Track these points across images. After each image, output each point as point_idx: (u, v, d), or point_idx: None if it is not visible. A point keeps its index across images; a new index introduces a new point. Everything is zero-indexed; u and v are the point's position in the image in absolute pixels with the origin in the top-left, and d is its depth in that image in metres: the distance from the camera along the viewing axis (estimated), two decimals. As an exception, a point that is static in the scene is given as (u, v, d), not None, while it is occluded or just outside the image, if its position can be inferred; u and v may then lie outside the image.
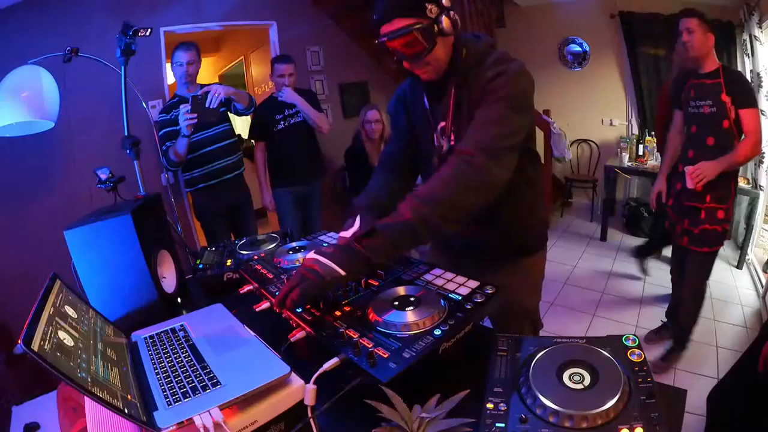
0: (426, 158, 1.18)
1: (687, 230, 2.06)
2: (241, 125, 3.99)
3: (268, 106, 2.72)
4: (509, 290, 0.91)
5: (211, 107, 2.10)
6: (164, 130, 2.25)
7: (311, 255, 0.85)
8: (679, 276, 2.31)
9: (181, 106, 2.10)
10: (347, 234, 1.03)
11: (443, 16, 0.96)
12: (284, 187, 2.83)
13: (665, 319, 2.44)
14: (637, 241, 3.73)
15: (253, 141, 2.87)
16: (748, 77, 3.28)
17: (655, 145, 3.53)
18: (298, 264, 1.08)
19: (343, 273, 0.81)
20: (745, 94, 1.84)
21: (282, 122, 2.70)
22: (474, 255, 1.22)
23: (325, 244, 1.20)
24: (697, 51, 1.91)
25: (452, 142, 1.07)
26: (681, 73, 2.10)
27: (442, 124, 1.10)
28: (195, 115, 2.07)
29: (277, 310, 0.85)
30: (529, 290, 1.27)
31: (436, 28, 0.95)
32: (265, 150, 2.82)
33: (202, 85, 2.28)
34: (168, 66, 2.78)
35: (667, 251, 3.18)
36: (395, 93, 1.24)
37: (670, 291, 2.53)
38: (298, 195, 2.87)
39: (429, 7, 0.94)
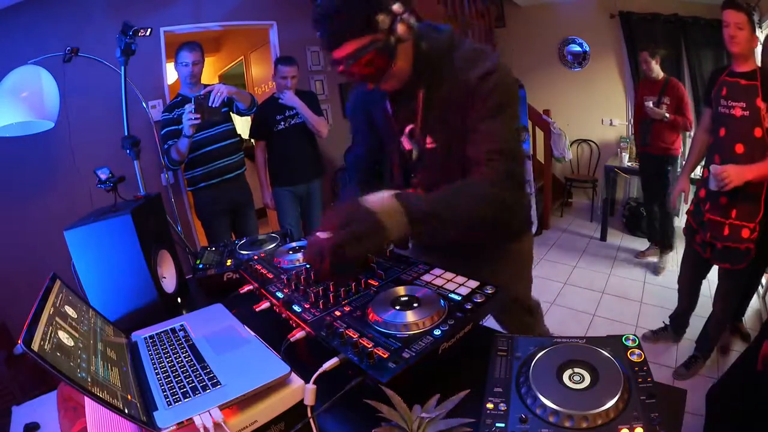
0: (389, 161, 1.13)
1: (709, 243, 1.92)
2: (241, 126, 3.99)
3: (268, 107, 2.73)
4: (495, 279, 0.87)
5: (213, 106, 2.11)
6: (166, 129, 2.25)
7: (375, 199, 0.78)
8: (689, 285, 2.22)
9: (186, 106, 2.11)
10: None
11: (397, 24, 0.87)
12: (284, 186, 2.84)
13: (668, 322, 2.41)
14: (637, 241, 3.74)
15: (252, 141, 2.87)
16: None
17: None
18: (298, 264, 1.08)
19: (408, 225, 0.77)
20: None
21: (282, 123, 2.72)
22: (456, 247, 1.15)
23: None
24: (743, 48, 1.73)
25: (422, 146, 1.02)
26: (715, 69, 1.99)
27: (410, 127, 1.04)
28: (199, 115, 2.07)
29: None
30: (516, 276, 1.23)
31: (392, 39, 0.87)
32: (265, 150, 2.83)
33: (206, 86, 2.28)
34: (168, 66, 2.79)
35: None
36: (351, 97, 1.18)
37: (669, 293, 2.53)
38: (298, 194, 2.89)
39: (380, 18, 0.85)
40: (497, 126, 0.90)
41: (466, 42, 0.97)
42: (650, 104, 3.02)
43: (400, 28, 0.87)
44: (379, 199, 0.78)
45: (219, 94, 2.11)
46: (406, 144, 1.06)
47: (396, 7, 0.87)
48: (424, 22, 0.97)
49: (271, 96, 2.78)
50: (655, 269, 3.20)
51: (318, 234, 0.77)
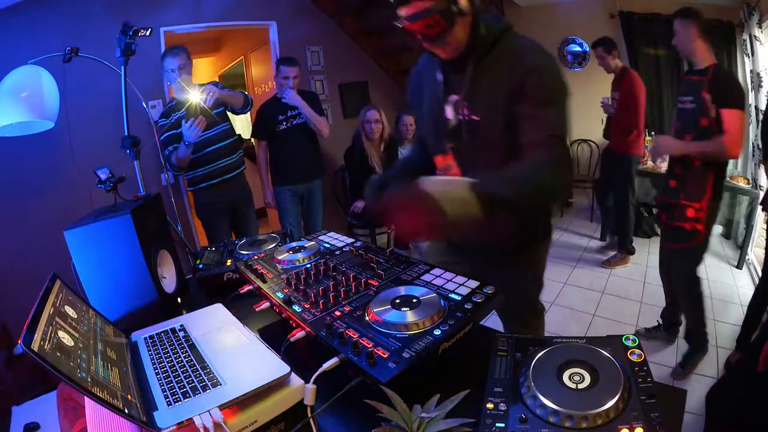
0: (432, 130, 1.21)
1: (664, 224, 2.09)
2: (241, 125, 3.99)
3: (271, 107, 2.74)
4: (511, 283, 0.96)
5: (207, 106, 2.10)
6: (165, 135, 2.25)
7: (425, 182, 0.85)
8: (666, 275, 2.29)
9: (183, 122, 2.11)
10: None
11: None
12: (285, 186, 2.86)
13: (660, 321, 2.42)
14: (637, 241, 3.73)
15: (253, 140, 2.88)
16: (748, 77, 3.29)
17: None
18: (298, 264, 1.08)
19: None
20: (728, 94, 1.80)
21: (284, 123, 2.73)
22: (472, 250, 1.24)
23: (326, 245, 1.20)
24: (683, 51, 1.96)
25: (464, 117, 1.09)
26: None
27: (455, 97, 1.11)
28: (201, 118, 2.07)
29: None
30: (531, 282, 1.29)
31: (454, 8, 0.97)
32: (267, 149, 2.84)
33: (200, 86, 2.27)
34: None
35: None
36: (412, 70, 1.27)
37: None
38: (299, 193, 2.91)
39: None
40: (554, 114, 0.98)
41: (526, 37, 1.06)
42: (606, 99, 3.01)
43: (462, 1, 0.98)
44: (443, 183, 0.86)
45: (211, 94, 2.11)
46: (448, 113, 1.13)
47: None
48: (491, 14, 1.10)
49: (274, 96, 2.79)
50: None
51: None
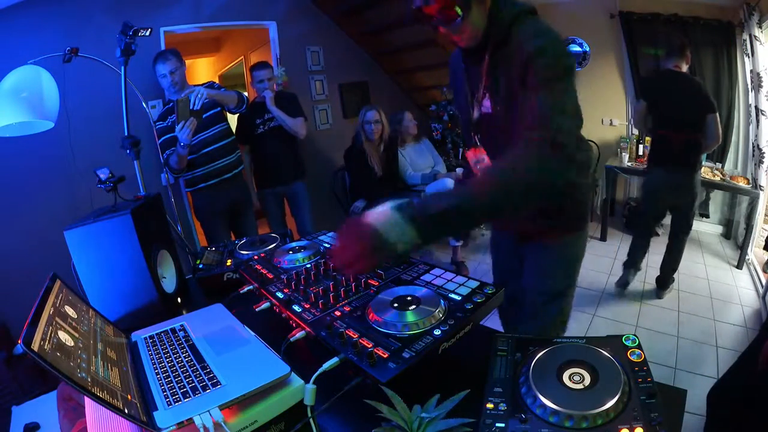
0: (463, 123, 1.20)
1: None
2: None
3: (249, 111, 2.73)
4: (538, 269, 1.07)
5: (195, 108, 2.09)
6: (163, 138, 2.26)
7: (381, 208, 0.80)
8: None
9: (176, 126, 2.11)
10: None
11: None
12: (267, 188, 2.89)
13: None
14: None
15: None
16: (748, 77, 3.29)
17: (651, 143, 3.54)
18: (297, 264, 1.08)
19: (419, 241, 0.76)
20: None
21: (261, 126, 2.74)
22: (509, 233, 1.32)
23: (326, 245, 1.21)
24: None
25: (482, 110, 1.08)
26: None
27: (478, 92, 1.09)
28: (191, 120, 2.07)
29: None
30: (560, 271, 1.26)
31: None
32: (250, 153, 2.86)
33: (192, 86, 2.27)
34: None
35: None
36: (450, 60, 1.27)
37: (669, 293, 2.78)
38: (281, 195, 2.93)
39: None
40: (536, 102, 0.90)
41: (537, 18, 1.01)
42: None
43: None
44: (379, 213, 0.78)
45: (199, 96, 2.10)
46: (475, 110, 1.12)
47: None
48: None
49: (253, 100, 2.80)
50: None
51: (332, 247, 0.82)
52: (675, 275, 2.84)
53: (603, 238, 3.84)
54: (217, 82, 3.39)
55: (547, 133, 0.85)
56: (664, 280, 2.80)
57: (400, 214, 0.77)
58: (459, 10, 0.95)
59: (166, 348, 0.81)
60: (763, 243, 2.79)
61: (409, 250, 0.77)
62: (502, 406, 0.62)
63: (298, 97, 2.89)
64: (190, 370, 0.71)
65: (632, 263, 2.91)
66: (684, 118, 2.48)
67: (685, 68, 2.52)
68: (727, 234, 3.72)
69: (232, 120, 2.59)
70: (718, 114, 2.42)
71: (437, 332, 0.73)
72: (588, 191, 1.27)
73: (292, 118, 2.71)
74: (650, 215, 2.91)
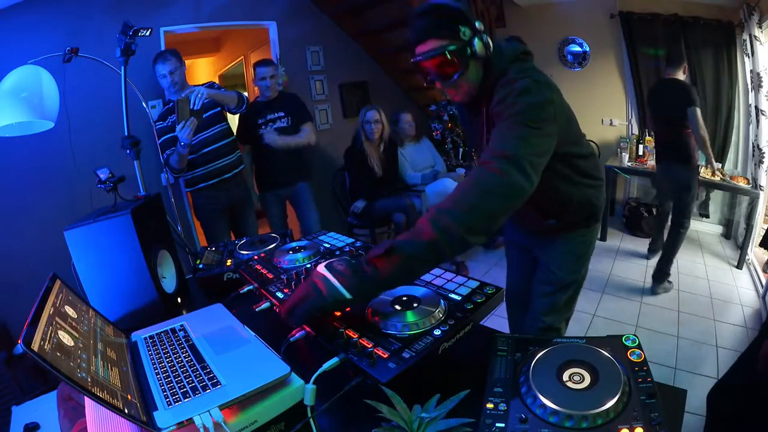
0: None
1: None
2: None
3: (251, 111, 2.71)
4: (546, 258, 1.16)
5: (195, 108, 2.09)
6: (163, 138, 2.25)
7: (321, 269, 0.79)
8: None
9: (177, 126, 2.12)
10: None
11: (476, 39, 0.99)
12: (269, 190, 2.85)
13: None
14: (638, 241, 3.74)
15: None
16: (748, 77, 3.29)
17: (654, 145, 3.54)
18: (297, 264, 1.08)
19: (348, 297, 0.74)
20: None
21: (263, 127, 2.70)
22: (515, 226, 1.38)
23: (326, 245, 1.20)
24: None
25: None
26: None
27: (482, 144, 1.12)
28: (191, 120, 2.07)
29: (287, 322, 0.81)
30: (568, 262, 1.30)
31: (468, 50, 0.98)
32: (251, 153, 2.83)
33: (192, 86, 2.27)
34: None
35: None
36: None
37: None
38: (283, 197, 2.90)
39: (462, 29, 0.97)
40: (519, 135, 0.90)
41: (528, 65, 1.03)
42: None
43: (478, 44, 0.99)
44: (323, 267, 0.80)
45: (200, 96, 2.10)
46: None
47: (479, 25, 1.00)
48: (496, 37, 1.09)
49: (255, 100, 2.77)
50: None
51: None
52: (672, 275, 2.89)
53: (603, 238, 3.83)
54: (217, 82, 3.39)
55: (503, 156, 0.86)
56: (660, 274, 2.89)
57: (328, 269, 0.78)
58: (456, 67, 0.98)
59: (166, 348, 0.81)
60: (761, 240, 2.83)
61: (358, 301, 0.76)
62: (502, 406, 0.62)
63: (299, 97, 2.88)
64: (190, 370, 0.71)
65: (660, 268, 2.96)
66: (672, 115, 2.71)
67: (682, 77, 2.74)
68: (727, 234, 3.72)
69: (233, 120, 2.59)
70: (698, 107, 2.61)
71: (437, 332, 0.73)
72: (598, 192, 1.27)
73: (297, 136, 2.67)
74: (661, 211, 3.19)
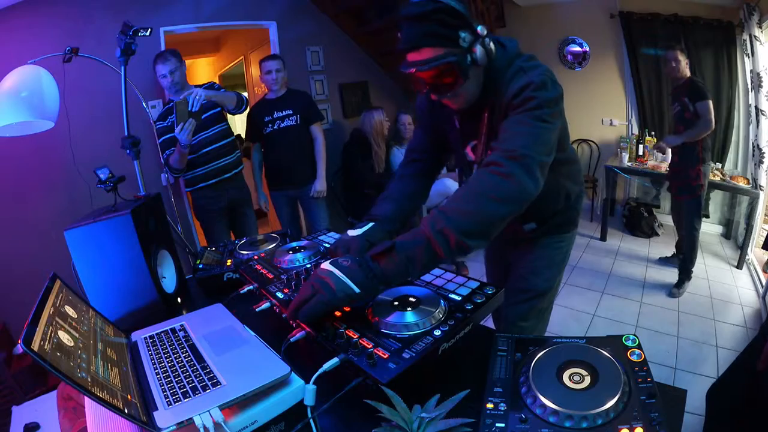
0: (458, 164, 1.20)
1: (676, 185, 3.01)
2: (241, 125, 3.98)
3: (257, 108, 2.71)
4: (522, 265, 1.10)
5: (193, 110, 2.09)
6: (163, 138, 2.26)
7: (326, 265, 0.79)
8: (678, 221, 3.16)
9: (176, 127, 2.11)
10: (354, 232, 1.01)
11: (477, 46, 0.87)
12: (277, 190, 2.85)
13: (675, 251, 3.22)
14: (638, 241, 3.74)
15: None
16: (748, 77, 3.29)
17: (654, 144, 3.55)
18: (298, 264, 1.08)
19: (357, 291, 0.75)
20: (699, 92, 2.66)
21: (270, 125, 2.70)
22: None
23: (327, 245, 1.20)
24: (674, 75, 2.79)
25: (486, 158, 1.05)
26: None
27: (474, 142, 1.06)
28: (190, 121, 2.06)
29: (291, 323, 0.80)
30: (543, 268, 1.26)
31: (469, 58, 0.87)
32: (260, 151, 2.84)
33: (197, 86, 2.27)
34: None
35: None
36: (421, 96, 1.18)
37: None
38: (292, 197, 2.90)
39: (462, 35, 0.85)
40: (517, 129, 0.86)
41: (524, 57, 0.95)
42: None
43: (479, 51, 0.87)
44: (328, 264, 0.80)
45: (198, 98, 2.10)
46: (470, 154, 1.09)
47: (480, 29, 0.87)
48: (492, 36, 0.96)
49: (263, 97, 2.77)
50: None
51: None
52: (671, 276, 2.93)
53: (603, 238, 3.84)
54: (217, 82, 3.39)
55: (513, 159, 0.82)
56: (681, 279, 2.91)
57: (333, 266, 0.78)
58: (455, 77, 0.88)
59: (166, 348, 0.80)
60: (763, 242, 2.82)
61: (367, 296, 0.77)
62: (502, 406, 0.62)
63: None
64: (190, 370, 0.71)
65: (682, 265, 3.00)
66: (678, 114, 2.88)
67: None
68: (727, 234, 3.73)
69: (233, 120, 2.58)
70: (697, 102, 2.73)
71: (437, 332, 0.73)
72: (579, 197, 1.25)
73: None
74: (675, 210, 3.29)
